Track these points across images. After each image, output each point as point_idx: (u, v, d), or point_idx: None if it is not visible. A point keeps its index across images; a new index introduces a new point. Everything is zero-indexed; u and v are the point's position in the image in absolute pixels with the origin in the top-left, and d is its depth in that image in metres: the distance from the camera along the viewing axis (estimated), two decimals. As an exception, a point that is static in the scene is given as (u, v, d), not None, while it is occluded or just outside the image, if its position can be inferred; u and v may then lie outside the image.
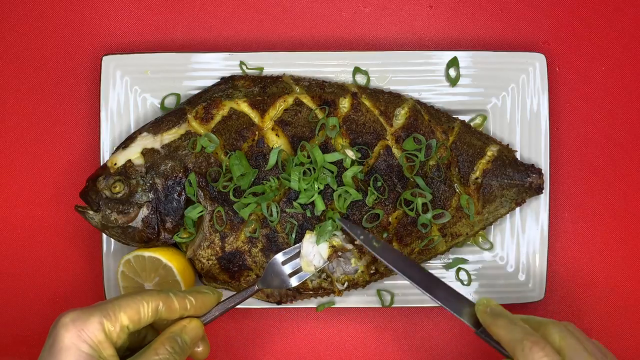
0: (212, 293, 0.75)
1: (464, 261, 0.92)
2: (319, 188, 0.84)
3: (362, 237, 0.82)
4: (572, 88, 0.97)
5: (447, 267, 0.92)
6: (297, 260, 0.84)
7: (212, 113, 0.87)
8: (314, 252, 0.83)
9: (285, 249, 0.85)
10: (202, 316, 0.75)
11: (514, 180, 0.89)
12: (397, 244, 0.87)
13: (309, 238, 0.84)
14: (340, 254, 0.85)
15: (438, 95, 0.92)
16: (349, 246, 0.85)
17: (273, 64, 0.91)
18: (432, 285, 0.77)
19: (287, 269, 0.84)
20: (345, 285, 0.88)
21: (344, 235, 0.85)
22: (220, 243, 0.85)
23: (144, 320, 0.68)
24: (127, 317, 0.66)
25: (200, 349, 0.75)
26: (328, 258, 0.84)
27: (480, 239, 0.93)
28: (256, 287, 0.80)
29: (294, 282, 0.84)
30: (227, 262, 0.85)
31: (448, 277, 0.92)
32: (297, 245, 0.85)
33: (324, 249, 0.84)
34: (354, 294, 0.91)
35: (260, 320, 0.96)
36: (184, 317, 0.73)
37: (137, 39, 0.96)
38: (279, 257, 0.84)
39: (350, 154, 0.85)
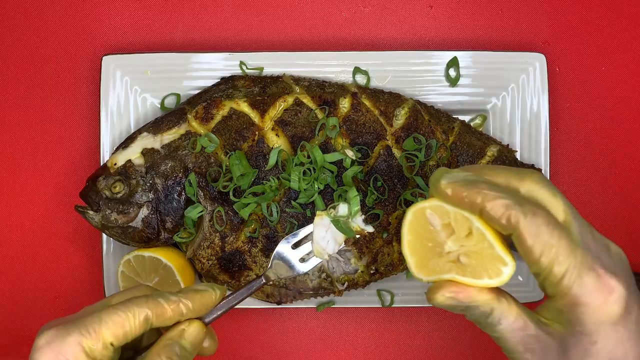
0: (213, 290, 0.66)
1: None
2: (319, 188, 0.84)
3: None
4: (572, 88, 0.97)
5: None
6: (307, 245, 0.78)
7: (212, 113, 0.87)
8: (327, 237, 0.77)
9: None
10: (203, 316, 0.66)
11: (514, 180, 0.89)
12: (397, 244, 0.87)
13: (320, 221, 0.77)
14: (358, 236, 0.79)
15: (438, 95, 0.92)
16: (370, 228, 0.78)
17: (273, 64, 0.91)
18: None
19: (297, 254, 0.78)
20: (345, 285, 0.88)
21: (363, 216, 0.78)
22: (220, 243, 0.85)
23: (131, 335, 0.59)
24: (110, 332, 0.58)
25: (206, 344, 0.66)
26: (345, 242, 0.78)
27: (480, 239, 0.93)
28: (263, 280, 0.73)
29: (304, 268, 0.77)
30: (227, 262, 0.85)
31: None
32: (307, 227, 0.79)
33: (338, 234, 0.77)
34: (354, 294, 0.91)
35: (260, 320, 0.96)
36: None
37: (137, 39, 0.96)
38: (286, 243, 0.78)
39: (350, 154, 0.85)
